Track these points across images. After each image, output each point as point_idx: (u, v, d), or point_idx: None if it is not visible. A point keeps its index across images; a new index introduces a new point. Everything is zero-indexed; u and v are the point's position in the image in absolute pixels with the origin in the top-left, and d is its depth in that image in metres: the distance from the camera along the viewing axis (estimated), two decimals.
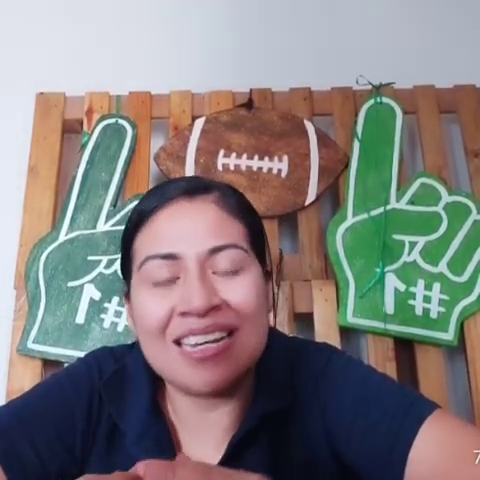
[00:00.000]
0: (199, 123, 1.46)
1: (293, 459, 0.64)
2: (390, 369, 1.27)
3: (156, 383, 0.67)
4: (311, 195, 1.41)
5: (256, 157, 1.44)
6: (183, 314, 0.58)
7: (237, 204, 0.65)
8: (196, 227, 0.60)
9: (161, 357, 0.60)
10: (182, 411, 0.65)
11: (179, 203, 0.62)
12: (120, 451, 0.63)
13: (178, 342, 0.59)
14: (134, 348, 0.71)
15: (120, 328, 1.27)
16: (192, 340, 0.58)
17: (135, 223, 0.64)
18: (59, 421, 0.64)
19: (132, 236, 0.64)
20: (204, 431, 0.65)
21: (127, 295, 0.66)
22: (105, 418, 0.66)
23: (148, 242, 0.61)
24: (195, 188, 0.64)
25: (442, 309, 1.32)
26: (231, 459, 0.61)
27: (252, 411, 0.64)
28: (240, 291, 0.60)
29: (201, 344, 0.57)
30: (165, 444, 0.62)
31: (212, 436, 0.64)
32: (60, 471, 0.62)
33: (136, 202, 1.32)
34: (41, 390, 0.69)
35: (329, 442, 0.65)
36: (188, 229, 0.60)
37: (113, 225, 1.36)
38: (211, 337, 0.58)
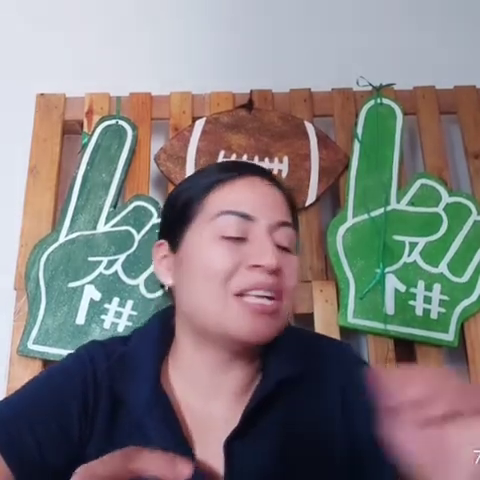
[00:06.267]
0: (199, 124, 1.47)
1: (306, 430, 0.68)
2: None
3: (161, 361, 0.70)
4: (311, 196, 1.41)
5: (256, 158, 1.44)
6: (254, 267, 0.63)
7: (294, 205, 0.74)
8: (270, 200, 0.68)
9: (216, 304, 0.64)
10: (195, 374, 0.69)
11: (255, 178, 0.69)
12: (124, 427, 0.66)
13: (239, 294, 0.64)
14: (133, 336, 0.76)
15: (120, 329, 1.27)
16: (255, 292, 0.64)
17: (212, 181, 0.69)
18: (55, 409, 0.66)
19: (206, 191, 0.68)
20: (214, 396, 0.68)
21: (172, 244, 0.70)
22: (104, 401, 0.67)
23: (226, 200, 0.67)
24: (268, 172, 0.73)
25: (442, 310, 1.32)
26: (246, 425, 0.65)
27: (267, 377, 0.68)
28: (291, 265, 0.67)
29: (261, 297, 0.63)
30: (171, 414, 0.65)
31: (222, 401, 0.68)
32: (59, 458, 0.64)
33: (136, 203, 1.35)
34: (35, 383, 0.70)
35: (346, 424, 0.69)
36: (263, 199, 0.67)
37: (113, 226, 1.36)
38: (269, 294, 0.64)
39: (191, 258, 0.67)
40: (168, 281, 0.71)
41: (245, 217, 0.65)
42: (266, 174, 0.71)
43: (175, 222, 0.70)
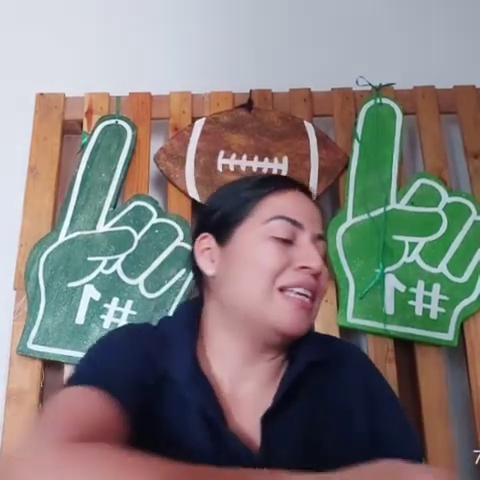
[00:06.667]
0: (199, 124, 1.46)
1: (329, 413, 0.75)
2: (390, 370, 1.27)
3: (195, 341, 0.76)
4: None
5: (256, 158, 1.44)
6: (301, 269, 0.72)
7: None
8: (313, 214, 0.77)
9: (262, 296, 0.71)
10: (227, 359, 0.75)
11: (300, 193, 0.78)
12: (167, 398, 0.71)
13: (282, 289, 0.71)
14: (163, 322, 0.82)
15: None
16: (297, 289, 0.72)
17: (267, 190, 0.76)
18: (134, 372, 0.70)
19: (260, 197, 0.76)
20: (243, 380, 0.75)
21: (219, 239, 0.77)
22: (151, 374, 0.71)
23: (278, 206, 0.75)
24: (310, 191, 0.81)
25: (442, 310, 1.32)
26: (279, 405, 0.71)
27: (296, 363, 0.75)
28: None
29: (301, 294, 0.72)
30: (209, 390, 0.71)
31: (249, 386, 0.75)
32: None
33: (136, 203, 1.35)
34: (108, 347, 0.75)
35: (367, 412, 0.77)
36: (308, 212, 0.76)
37: (113, 226, 1.36)
38: (308, 293, 0.72)
39: (241, 253, 0.74)
40: (209, 271, 0.76)
41: (294, 223, 0.73)
42: (308, 192, 0.80)
43: (224, 220, 0.77)
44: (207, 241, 0.77)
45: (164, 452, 0.55)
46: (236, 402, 0.73)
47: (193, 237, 0.81)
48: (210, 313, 0.78)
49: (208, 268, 0.76)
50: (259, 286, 0.71)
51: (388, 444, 0.76)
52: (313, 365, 0.75)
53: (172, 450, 0.60)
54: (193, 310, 0.80)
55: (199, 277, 0.80)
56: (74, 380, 0.67)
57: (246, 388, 0.74)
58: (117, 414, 0.62)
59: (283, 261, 0.72)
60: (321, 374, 0.77)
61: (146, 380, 0.70)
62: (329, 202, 1.51)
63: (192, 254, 0.80)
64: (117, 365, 0.70)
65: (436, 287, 1.33)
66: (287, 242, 0.73)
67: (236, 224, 0.75)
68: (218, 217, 0.77)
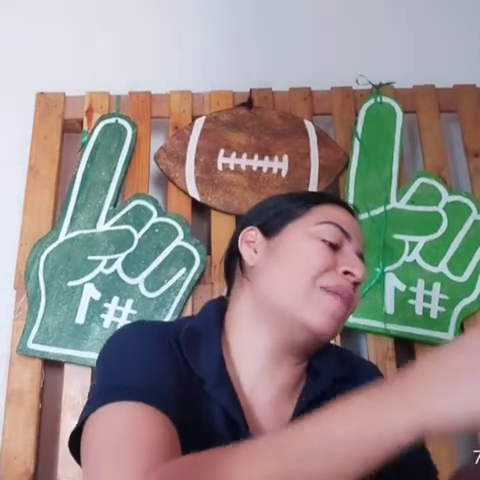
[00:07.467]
0: (199, 122, 1.46)
1: None
2: (390, 369, 1.27)
3: (220, 340, 0.77)
4: None
5: (256, 156, 1.44)
6: (344, 274, 0.74)
7: None
8: (360, 235, 0.81)
9: (301, 290, 0.73)
10: (252, 358, 0.75)
11: (350, 214, 0.82)
12: (194, 392, 0.70)
13: (324, 288, 0.73)
14: (186, 320, 0.83)
15: None
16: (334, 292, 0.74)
17: (321, 198, 0.82)
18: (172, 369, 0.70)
19: (315, 202, 0.80)
20: (262, 385, 0.75)
21: (267, 232, 0.80)
22: (181, 367, 0.72)
23: (331, 214, 0.78)
24: (356, 215, 0.86)
25: (442, 309, 1.32)
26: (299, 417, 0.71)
27: (321, 376, 0.76)
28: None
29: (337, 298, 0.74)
30: (233, 392, 0.72)
31: (269, 392, 0.75)
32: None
33: (136, 202, 1.34)
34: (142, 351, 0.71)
35: None
36: (357, 231, 0.80)
37: (113, 225, 1.36)
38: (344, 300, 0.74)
39: (288, 246, 0.76)
40: (251, 261, 0.79)
41: (344, 232, 0.76)
42: (357, 217, 0.85)
43: (278, 215, 0.80)
44: (253, 233, 0.80)
45: (187, 451, 0.56)
46: (257, 406, 0.73)
47: (239, 229, 0.84)
48: (241, 305, 0.79)
49: (250, 258, 0.79)
50: (301, 280, 0.73)
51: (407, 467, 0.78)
52: (335, 381, 0.76)
53: (195, 450, 0.60)
54: (218, 308, 0.82)
55: (233, 268, 0.83)
56: (123, 392, 0.63)
57: (267, 393, 0.74)
58: (174, 431, 0.61)
59: (329, 261, 0.74)
60: (341, 390, 0.77)
61: (182, 387, 0.69)
62: None
63: (234, 243, 0.83)
64: (158, 371, 0.68)
65: (436, 286, 1.33)
66: (334, 247, 0.75)
67: (288, 220, 0.78)
68: (272, 212, 0.81)
